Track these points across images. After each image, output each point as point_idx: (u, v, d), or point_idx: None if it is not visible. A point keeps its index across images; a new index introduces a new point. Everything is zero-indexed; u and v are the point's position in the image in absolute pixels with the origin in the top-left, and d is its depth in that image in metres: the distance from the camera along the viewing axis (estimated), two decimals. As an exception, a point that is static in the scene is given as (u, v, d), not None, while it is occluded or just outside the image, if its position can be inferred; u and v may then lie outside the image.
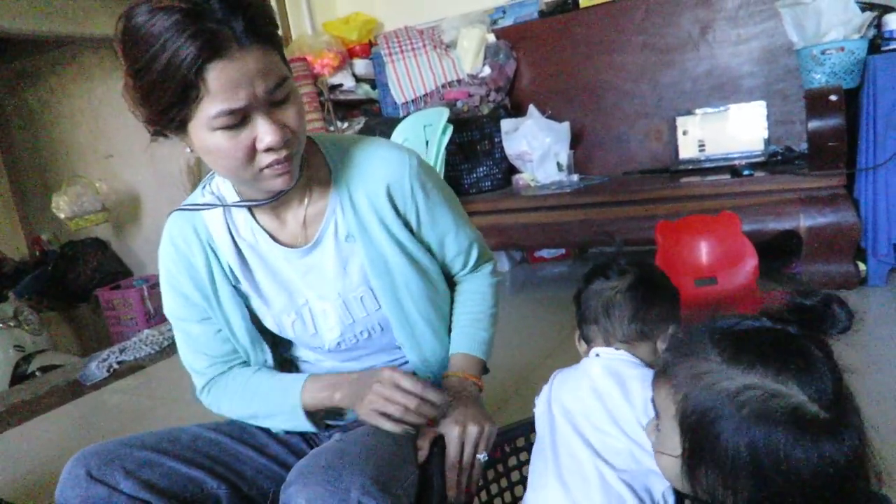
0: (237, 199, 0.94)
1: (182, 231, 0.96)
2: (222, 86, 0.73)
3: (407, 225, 0.98)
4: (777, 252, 2.40)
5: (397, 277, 0.96)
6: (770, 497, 0.54)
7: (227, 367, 1.01)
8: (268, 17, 0.77)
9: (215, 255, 0.95)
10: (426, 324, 1.00)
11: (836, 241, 2.25)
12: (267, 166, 0.80)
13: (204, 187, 0.97)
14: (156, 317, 3.96)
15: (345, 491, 0.74)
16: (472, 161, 3.08)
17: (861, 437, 0.54)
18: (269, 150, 0.79)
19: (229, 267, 0.96)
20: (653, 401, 0.65)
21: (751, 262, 1.77)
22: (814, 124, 2.24)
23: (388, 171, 0.95)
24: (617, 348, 0.92)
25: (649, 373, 0.80)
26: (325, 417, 1.04)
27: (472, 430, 0.90)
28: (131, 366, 2.89)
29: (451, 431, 0.90)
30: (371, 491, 0.74)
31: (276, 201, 0.92)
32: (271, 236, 0.95)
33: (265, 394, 0.97)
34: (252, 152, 0.79)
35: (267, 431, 1.01)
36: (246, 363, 1.02)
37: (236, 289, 0.97)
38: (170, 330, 3.19)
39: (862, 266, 2.37)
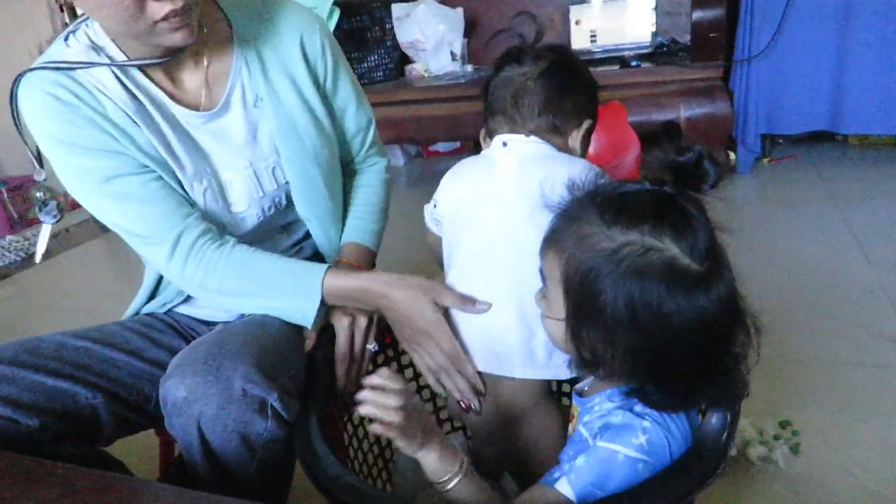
0: (121, 55, 0.81)
1: (61, 82, 0.79)
2: None
3: (316, 83, 0.93)
4: (658, 141, 2.52)
5: (307, 143, 0.92)
6: (646, 348, 0.58)
7: (185, 227, 0.84)
8: None
9: (115, 105, 0.81)
10: (331, 198, 0.97)
11: (711, 130, 2.39)
12: (162, 18, 0.71)
13: (67, 38, 0.82)
14: (20, 222, 3.61)
15: (227, 381, 0.71)
16: (363, 50, 2.93)
17: (732, 289, 0.59)
18: None
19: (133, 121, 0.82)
20: (541, 270, 0.67)
21: (634, 152, 1.84)
22: (697, 15, 2.30)
23: (301, 25, 0.92)
24: (527, 135, 0.83)
25: (567, 158, 0.80)
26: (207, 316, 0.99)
27: (362, 320, 0.89)
28: (-4, 275, 2.66)
29: (340, 322, 0.88)
30: (255, 379, 0.72)
31: (169, 62, 0.82)
32: (170, 97, 0.85)
33: (275, 273, 0.85)
34: (142, 1, 0.70)
35: (144, 336, 0.92)
36: (229, 236, 0.88)
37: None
38: (35, 235, 2.94)
39: (732, 155, 2.55)
